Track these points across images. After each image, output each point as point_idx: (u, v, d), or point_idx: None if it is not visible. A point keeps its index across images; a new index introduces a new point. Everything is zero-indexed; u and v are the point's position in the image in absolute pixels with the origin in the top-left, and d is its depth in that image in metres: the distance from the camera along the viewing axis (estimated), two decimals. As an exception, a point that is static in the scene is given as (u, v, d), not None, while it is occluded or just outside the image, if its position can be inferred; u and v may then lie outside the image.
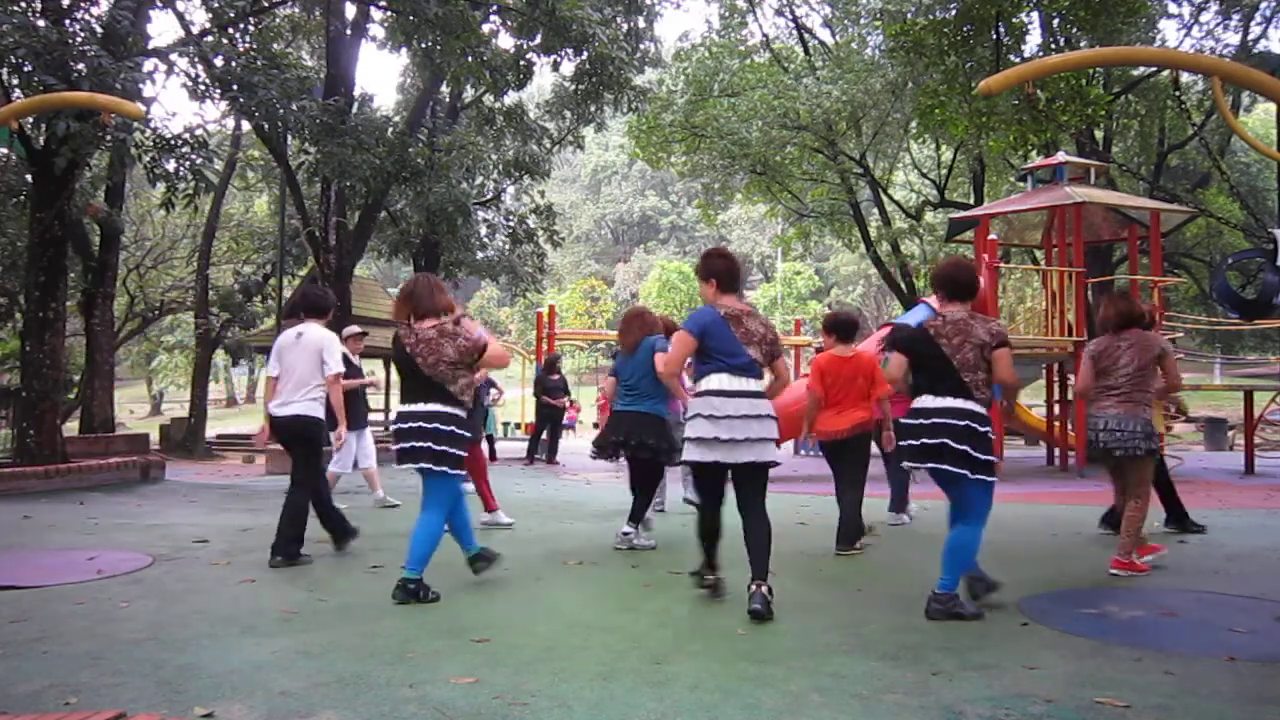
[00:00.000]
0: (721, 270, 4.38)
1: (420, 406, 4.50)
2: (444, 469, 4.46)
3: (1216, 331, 21.68)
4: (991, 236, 12.88)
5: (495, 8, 14.28)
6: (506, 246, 21.81)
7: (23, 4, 10.08)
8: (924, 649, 3.56)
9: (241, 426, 30.48)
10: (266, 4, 13.22)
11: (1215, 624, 4.02)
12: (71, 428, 15.73)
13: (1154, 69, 17.76)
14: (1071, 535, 6.65)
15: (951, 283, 4.28)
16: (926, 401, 4.17)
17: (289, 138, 15.12)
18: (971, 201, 21.63)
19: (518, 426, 25.54)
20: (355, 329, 8.73)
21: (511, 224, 21.61)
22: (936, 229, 22.55)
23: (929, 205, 24.33)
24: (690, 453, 4.22)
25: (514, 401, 25.69)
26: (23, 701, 2.89)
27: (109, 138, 9.72)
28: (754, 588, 4.06)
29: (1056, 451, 13.06)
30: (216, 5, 11.69)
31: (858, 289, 52.59)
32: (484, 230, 21.86)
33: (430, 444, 4.44)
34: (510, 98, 18.06)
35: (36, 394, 10.54)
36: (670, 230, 72.27)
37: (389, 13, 14.26)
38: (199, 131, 11.21)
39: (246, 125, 17.80)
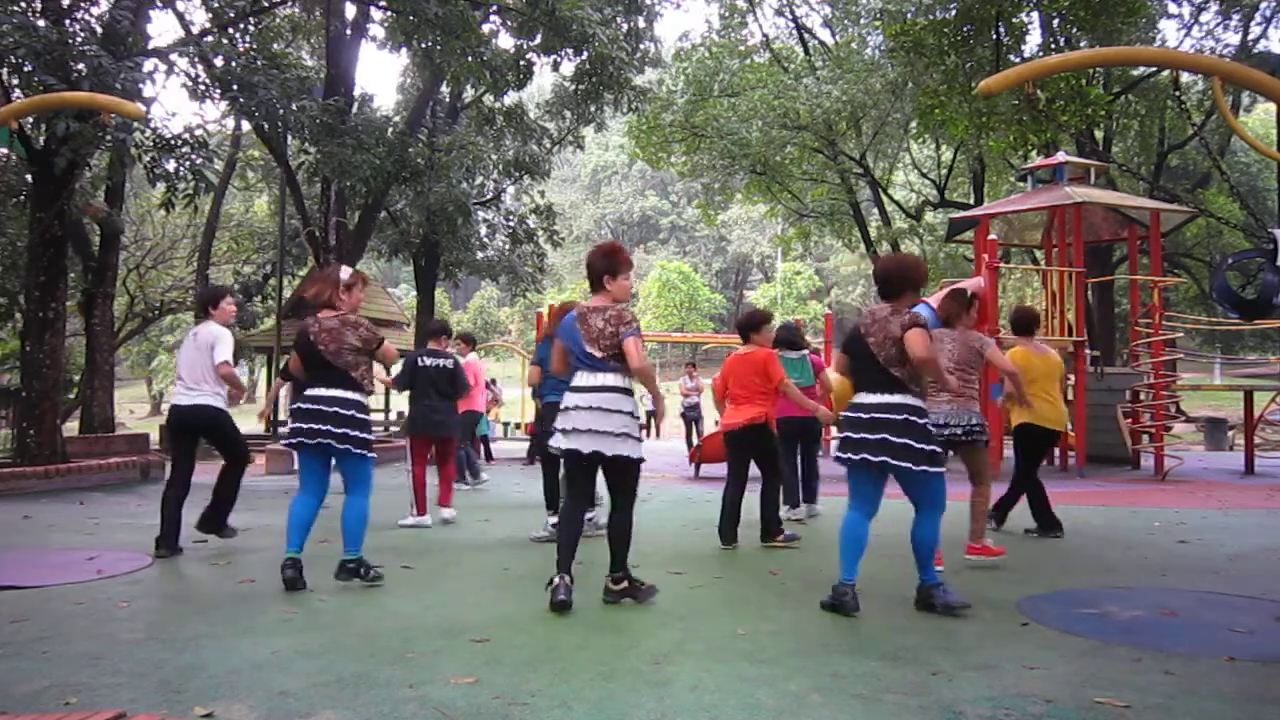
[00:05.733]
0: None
1: (325, 391, 4.73)
2: (361, 451, 4.73)
3: (1216, 331, 21.69)
4: (991, 236, 12.88)
5: (495, 8, 14.28)
6: (506, 246, 21.80)
7: (23, 4, 10.08)
8: (924, 649, 3.56)
9: (241, 427, 30.47)
10: (266, 4, 13.22)
11: (1215, 624, 4.01)
12: (71, 428, 15.73)
13: (1154, 69, 17.76)
14: (1071, 535, 6.65)
15: (881, 280, 4.38)
16: (861, 398, 4.23)
17: (289, 138, 15.12)
18: (971, 201, 21.65)
19: (518, 427, 25.54)
20: None
21: (511, 224, 21.60)
22: (936, 229, 22.58)
23: (929, 205, 24.36)
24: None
25: (514, 402, 25.68)
26: (23, 701, 2.89)
27: (109, 138, 9.72)
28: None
29: (1056, 451, 13.04)
30: (216, 5, 11.69)
31: (858, 289, 52.63)
32: (484, 230, 21.86)
33: (338, 428, 4.65)
34: (510, 98, 18.06)
35: (36, 394, 10.54)
36: (670, 230, 72.31)
37: (389, 13, 14.26)
38: (199, 131, 11.20)
39: (246, 125, 17.82)
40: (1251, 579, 5.05)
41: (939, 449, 4.20)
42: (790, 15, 22.64)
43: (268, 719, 2.76)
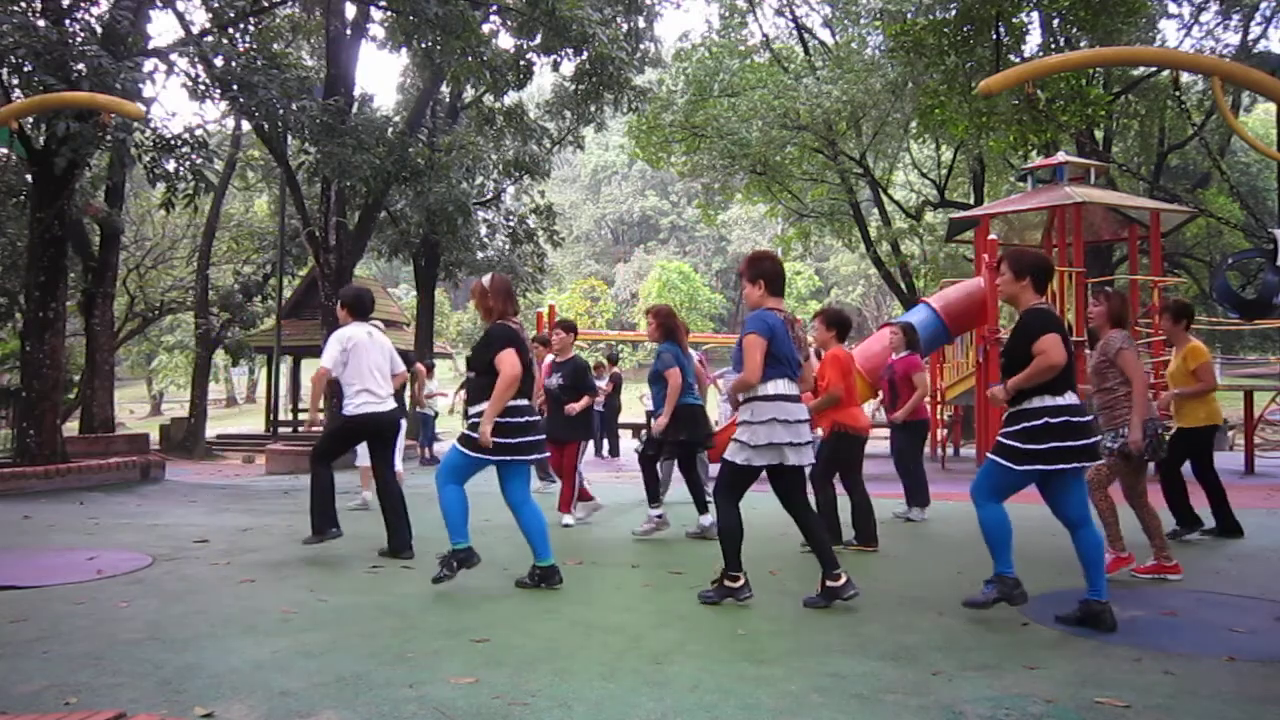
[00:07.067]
0: (771, 273, 4.40)
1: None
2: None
3: (1216, 331, 21.67)
4: (991, 236, 12.88)
5: (495, 8, 14.28)
6: (506, 246, 21.81)
7: (23, 4, 10.09)
8: (924, 649, 3.56)
9: (242, 426, 30.52)
10: (266, 4, 13.22)
11: (1215, 624, 4.02)
12: (71, 428, 15.74)
13: (1154, 69, 17.76)
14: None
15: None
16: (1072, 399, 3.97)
17: (289, 138, 15.12)
18: (971, 201, 21.65)
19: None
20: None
21: (511, 224, 21.61)
22: (936, 229, 22.56)
23: (929, 205, 24.34)
24: (767, 456, 4.24)
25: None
26: (23, 701, 2.89)
27: (109, 138, 9.72)
28: (840, 579, 4.23)
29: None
30: (216, 5, 11.69)
31: (858, 289, 52.55)
32: (484, 230, 21.87)
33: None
34: (510, 98, 18.05)
35: (36, 394, 10.54)
36: (670, 230, 72.24)
37: (389, 13, 14.26)
38: (199, 131, 11.21)
39: (246, 125, 17.82)
40: (1251, 579, 5.05)
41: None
42: (790, 15, 22.63)
43: (268, 719, 2.76)
